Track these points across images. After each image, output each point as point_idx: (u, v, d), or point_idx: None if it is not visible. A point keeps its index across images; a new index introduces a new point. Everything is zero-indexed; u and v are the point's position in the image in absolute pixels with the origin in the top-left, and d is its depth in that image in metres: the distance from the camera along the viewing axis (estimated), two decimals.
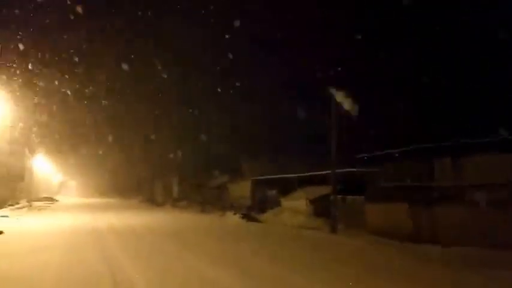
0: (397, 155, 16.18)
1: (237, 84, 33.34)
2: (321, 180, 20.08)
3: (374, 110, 25.01)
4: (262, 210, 23.99)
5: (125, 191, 67.99)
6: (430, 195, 14.11)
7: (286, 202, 22.47)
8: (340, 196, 17.48)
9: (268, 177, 26.16)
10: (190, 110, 37.27)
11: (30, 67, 22.69)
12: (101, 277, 8.10)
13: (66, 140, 49.58)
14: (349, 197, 17.79)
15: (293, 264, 9.87)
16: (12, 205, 34.56)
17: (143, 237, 15.70)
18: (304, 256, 11.39)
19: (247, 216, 22.73)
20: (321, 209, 18.81)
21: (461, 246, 11.39)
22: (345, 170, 17.91)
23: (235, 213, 24.62)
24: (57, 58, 27.20)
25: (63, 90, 31.65)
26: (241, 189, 29.22)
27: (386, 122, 24.48)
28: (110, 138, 48.27)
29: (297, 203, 21.03)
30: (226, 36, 30.76)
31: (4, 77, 20.96)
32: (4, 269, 9.07)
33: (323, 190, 19.22)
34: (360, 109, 22.74)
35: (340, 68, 23.54)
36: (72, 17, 24.43)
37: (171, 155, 41.01)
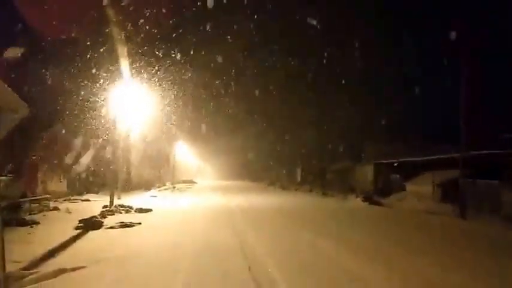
0: None
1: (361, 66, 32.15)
2: (449, 164, 18.68)
3: None
4: (385, 194, 23.32)
5: (253, 175, 71.99)
6: None
7: (411, 186, 21.48)
8: (470, 180, 16.13)
9: (392, 161, 25.19)
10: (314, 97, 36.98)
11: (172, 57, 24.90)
12: (231, 241, 10.23)
13: (203, 127, 54.01)
14: (481, 181, 16.27)
15: (418, 249, 9.52)
16: (159, 187, 39.67)
17: (267, 215, 16.81)
18: (428, 240, 10.97)
19: (369, 200, 22.38)
20: (449, 193, 17.61)
21: None
22: (475, 152, 16.38)
23: (357, 197, 24.43)
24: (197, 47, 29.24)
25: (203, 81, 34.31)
26: (364, 173, 28.67)
27: None
28: (242, 128, 52.16)
29: (423, 188, 19.99)
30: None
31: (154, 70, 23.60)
32: (161, 233, 11.56)
33: (451, 174, 17.93)
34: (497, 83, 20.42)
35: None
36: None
37: (295, 141, 41.99)
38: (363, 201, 22.68)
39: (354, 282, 6.60)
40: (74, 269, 7.34)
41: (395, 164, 24.52)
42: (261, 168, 65.99)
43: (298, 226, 13.35)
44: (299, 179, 43.79)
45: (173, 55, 24.89)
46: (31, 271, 7.26)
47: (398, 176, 23.91)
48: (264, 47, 37.81)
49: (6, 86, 6.22)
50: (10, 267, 6.55)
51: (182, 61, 26.51)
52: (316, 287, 6.39)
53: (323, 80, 34.20)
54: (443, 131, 25.54)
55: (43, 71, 18.49)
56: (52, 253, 8.91)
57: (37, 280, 6.73)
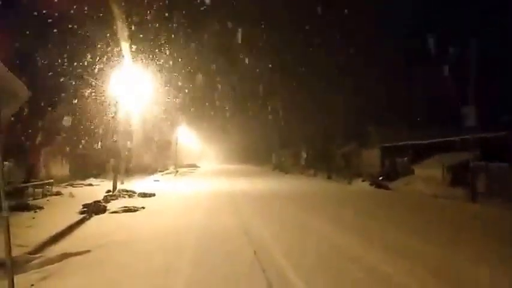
0: None
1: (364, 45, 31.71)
2: (458, 147, 18.37)
3: None
4: (392, 178, 23.03)
5: (257, 158, 71.86)
6: None
7: (419, 170, 21.17)
8: (482, 163, 15.82)
9: (399, 143, 24.84)
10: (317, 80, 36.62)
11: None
12: (235, 226, 10.13)
13: (207, 111, 53.85)
14: (493, 164, 15.95)
15: (428, 235, 9.08)
16: (162, 171, 39.57)
17: (271, 200, 16.60)
18: (439, 226, 10.60)
19: (376, 184, 22.13)
20: (459, 177, 17.30)
21: None
22: (486, 134, 16.03)
23: (363, 181, 24.18)
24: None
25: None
26: (370, 157, 28.43)
27: None
28: (247, 111, 52.28)
29: (432, 171, 19.67)
30: None
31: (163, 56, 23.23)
32: (164, 218, 11.47)
33: (461, 157, 17.60)
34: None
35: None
36: None
37: (300, 124, 41.76)
38: (369, 185, 22.43)
39: (361, 269, 6.35)
40: (78, 254, 7.29)
41: (402, 146, 24.20)
42: (265, 152, 65.87)
43: (304, 212, 13.07)
44: (304, 162, 43.57)
45: (174, 35, 24.44)
46: (36, 255, 7.23)
47: (405, 159, 23.59)
48: (266, 27, 37.19)
49: (6, 69, 5.93)
50: (15, 252, 6.42)
51: (183, 40, 26.14)
52: (322, 273, 6.12)
53: (326, 61, 33.72)
54: (446, 113, 25.22)
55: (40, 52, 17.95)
56: (56, 238, 8.85)
57: (42, 264, 6.66)
